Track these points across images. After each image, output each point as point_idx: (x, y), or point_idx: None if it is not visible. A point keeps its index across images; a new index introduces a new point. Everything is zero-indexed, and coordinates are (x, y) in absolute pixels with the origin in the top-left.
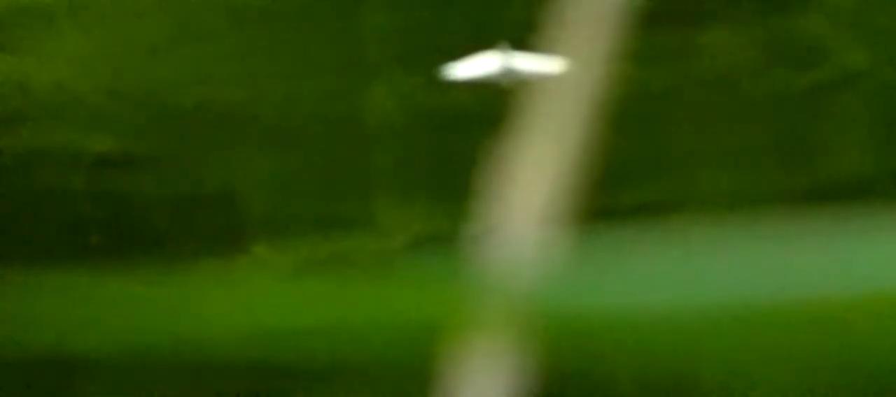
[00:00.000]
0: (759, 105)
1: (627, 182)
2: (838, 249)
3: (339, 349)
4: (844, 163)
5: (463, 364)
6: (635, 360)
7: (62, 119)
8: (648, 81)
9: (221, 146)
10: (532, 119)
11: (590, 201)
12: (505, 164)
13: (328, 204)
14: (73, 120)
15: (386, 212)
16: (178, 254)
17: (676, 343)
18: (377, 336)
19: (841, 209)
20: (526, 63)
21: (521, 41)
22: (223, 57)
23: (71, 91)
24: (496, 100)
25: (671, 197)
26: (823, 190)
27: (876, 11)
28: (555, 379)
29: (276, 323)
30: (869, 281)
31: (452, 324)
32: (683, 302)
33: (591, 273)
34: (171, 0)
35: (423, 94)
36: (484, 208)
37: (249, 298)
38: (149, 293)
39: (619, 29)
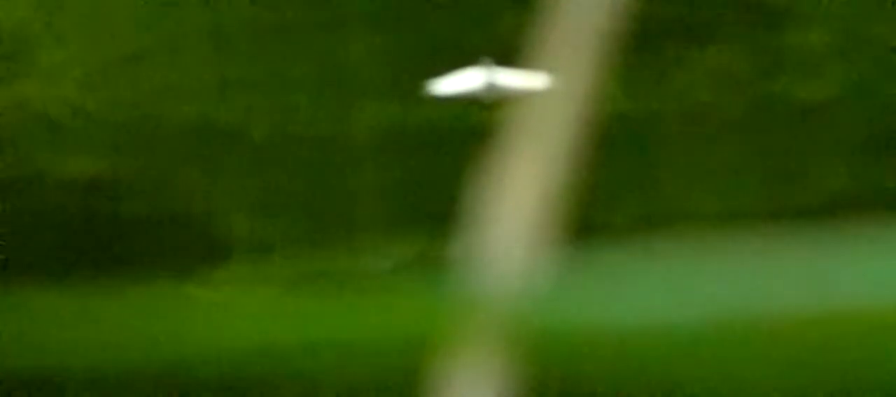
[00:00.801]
0: (749, 122)
1: (614, 199)
2: (826, 265)
3: (326, 365)
4: (834, 180)
5: (450, 379)
6: (622, 375)
7: (50, 142)
8: (635, 98)
9: (206, 165)
10: (518, 135)
11: (577, 218)
12: (491, 181)
13: (313, 222)
14: (61, 142)
15: (371, 229)
16: (163, 273)
17: (663, 358)
18: (364, 352)
19: (829, 225)
20: (510, 79)
21: (505, 57)
22: (208, 77)
23: (59, 115)
24: (481, 116)
25: (659, 214)
26: (812, 206)
27: (869, 25)
28: (539, 391)
29: (262, 340)
30: (857, 296)
31: (440, 340)
32: (670, 319)
33: (578, 289)
34: (156, 22)
35: (407, 111)
36: (470, 225)
37: (234, 316)
38: (133, 312)
39: (606, 45)
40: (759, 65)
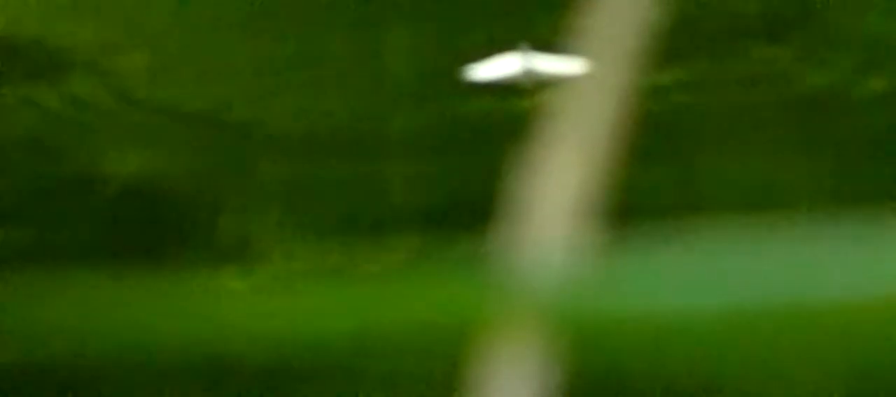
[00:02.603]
0: (793, 111)
1: (654, 186)
2: (868, 253)
3: (365, 355)
4: (878, 171)
5: (488, 366)
6: (659, 361)
7: (92, 137)
8: (673, 83)
9: (240, 159)
10: (557, 122)
11: (616, 205)
12: (530, 169)
13: (348, 214)
14: (100, 138)
15: (408, 220)
16: (195, 263)
17: (700, 344)
18: (404, 342)
19: (873, 214)
20: (548, 64)
21: (543, 43)
22: (239, 68)
23: (101, 109)
24: (519, 103)
25: (699, 201)
26: (856, 196)
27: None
28: (579, 381)
29: (300, 329)
30: (893, 283)
31: (480, 330)
32: (707, 305)
33: (617, 277)
34: (188, 13)
35: (443, 98)
36: (509, 213)
37: (271, 307)
38: (167, 301)
39: (645, 29)
40: (807, 57)
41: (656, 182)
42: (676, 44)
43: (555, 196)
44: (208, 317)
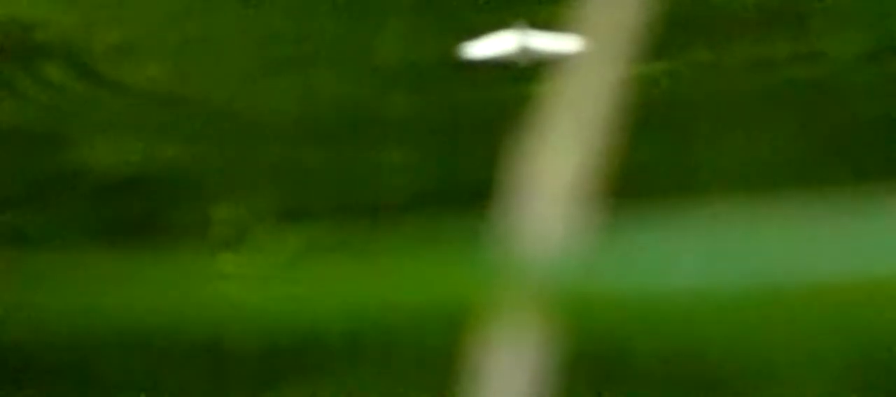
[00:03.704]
0: (790, 92)
1: (651, 166)
2: (866, 232)
3: (362, 333)
4: (870, 152)
5: (485, 348)
6: (657, 341)
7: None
8: (670, 69)
9: (230, 141)
10: (554, 101)
11: (614, 185)
12: (527, 147)
13: (344, 196)
14: (99, 128)
15: (405, 199)
16: (188, 248)
17: (699, 324)
18: (401, 320)
19: (869, 193)
20: (544, 42)
21: (540, 20)
22: (229, 51)
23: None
24: (515, 81)
25: (697, 181)
26: (847, 172)
27: None
28: (577, 362)
29: (292, 311)
30: (889, 263)
31: (475, 306)
32: (704, 285)
33: (613, 256)
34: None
35: (438, 78)
36: (507, 192)
37: (263, 289)
38: (161, 285)
39: (642, 9)
40: (800, 48)
41: (653, 162)
42: (678, 32)
43: (552, 177)
44: (203, 301)
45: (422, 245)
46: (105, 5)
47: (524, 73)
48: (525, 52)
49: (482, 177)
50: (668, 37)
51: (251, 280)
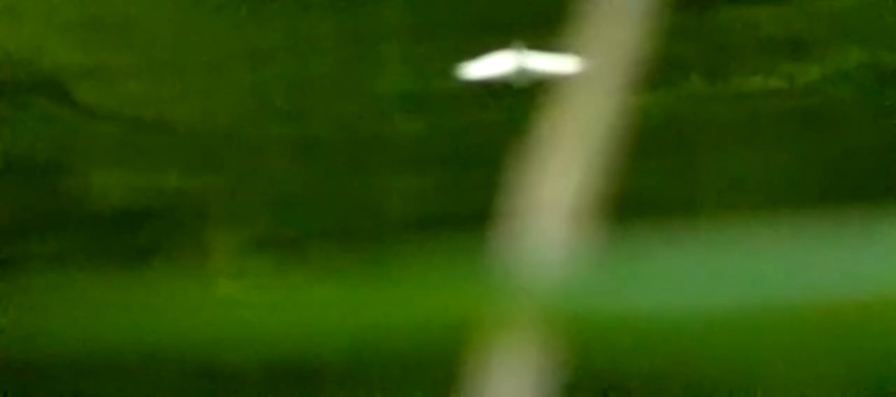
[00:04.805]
0: (792, 115)
1: (651, 186)
2: (868, 253)
3: (361, 352)
4: (875, 172)
5: (487, 366)
6: (657, 361)
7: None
8: (674, 90)
9: (233, 163)
10: (553, 121)
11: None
12: (527, 168)
13: (343, 218)
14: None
15: (404, 220)
16: (192, 266)
17: (699, 343)
18: (400, 339)
19: (872, 214)
20: (542, 63)
21: (538, 40)
22: (229, 72)
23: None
24: (513, 102)
25: (697, 201)
26: (845, 190)
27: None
28: (578, 381)
29: (292, 332)
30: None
31: (476, 327)
32: (706, 304)
33: (614, 276)
34: (169, 6)
35: (436, 97)
36: (506, 209)
37: (263, 309)
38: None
39: (643, 25)
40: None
41: (654, 184)
42: (703, 59)
43: (552, 195)
44: (202, 324)
45: (422, 266)
46: (94, 35)
47: (521, 93)
48: (523, 72)
49: (482, 198)
50: (667, 58)
51: (250, 301)
